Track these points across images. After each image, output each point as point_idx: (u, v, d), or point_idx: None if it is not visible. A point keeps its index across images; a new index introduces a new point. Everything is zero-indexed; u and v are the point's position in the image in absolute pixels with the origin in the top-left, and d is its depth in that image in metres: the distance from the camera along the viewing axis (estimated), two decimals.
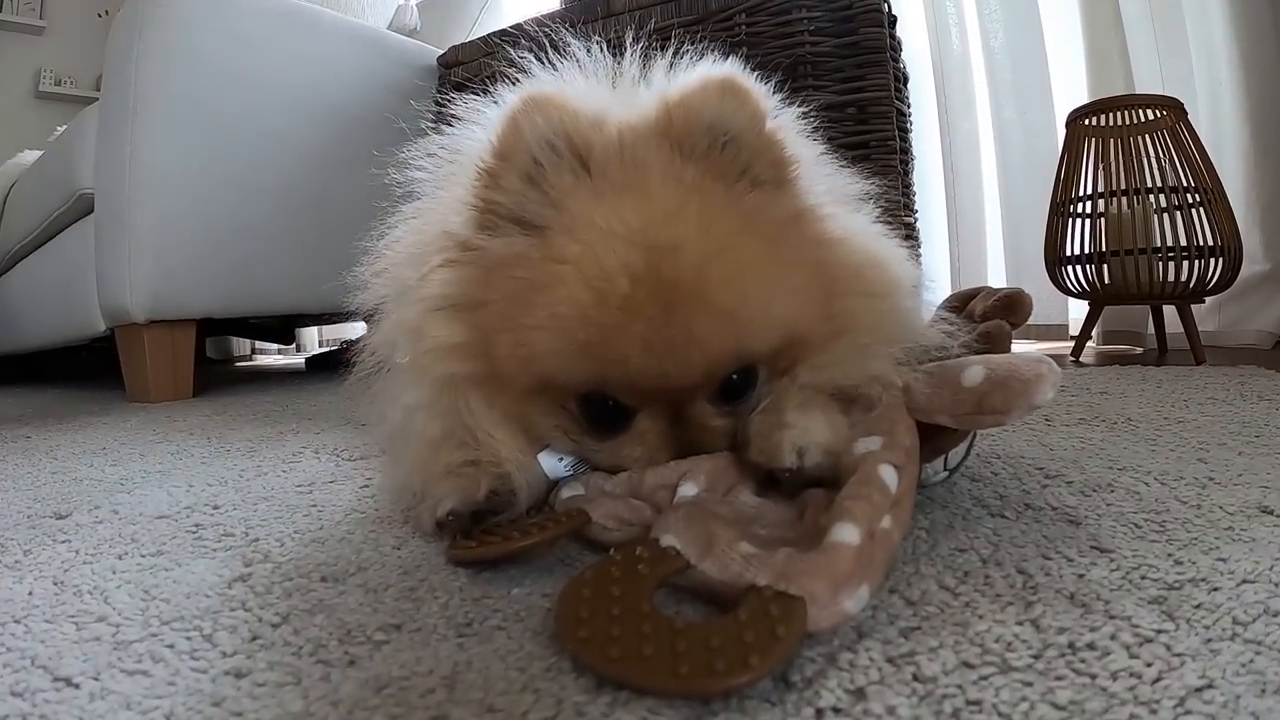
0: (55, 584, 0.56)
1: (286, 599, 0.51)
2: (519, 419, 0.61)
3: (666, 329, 0.54)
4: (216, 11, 2.01)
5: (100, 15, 5.70)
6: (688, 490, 0.53)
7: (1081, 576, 0.47)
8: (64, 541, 0.67)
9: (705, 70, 0.61)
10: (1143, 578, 0.46)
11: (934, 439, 0.55)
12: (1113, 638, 0.39)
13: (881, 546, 0.42)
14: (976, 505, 0.62)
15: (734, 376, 0.59)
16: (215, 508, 0.76)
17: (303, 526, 0.68)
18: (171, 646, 0.45)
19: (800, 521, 0.49)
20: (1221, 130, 2.43)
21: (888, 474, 0.47)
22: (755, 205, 0.59)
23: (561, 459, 0.62)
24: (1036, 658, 0.38)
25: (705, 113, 0.58)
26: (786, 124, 0.66)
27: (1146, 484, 0.67)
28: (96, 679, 0.41)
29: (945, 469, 0.64)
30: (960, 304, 0.74)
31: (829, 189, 0.67)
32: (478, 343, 0.59)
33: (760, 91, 0.61)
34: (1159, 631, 0.40)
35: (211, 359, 4.26)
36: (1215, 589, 0.45)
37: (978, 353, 0.60)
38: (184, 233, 1.95)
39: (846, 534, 0.41)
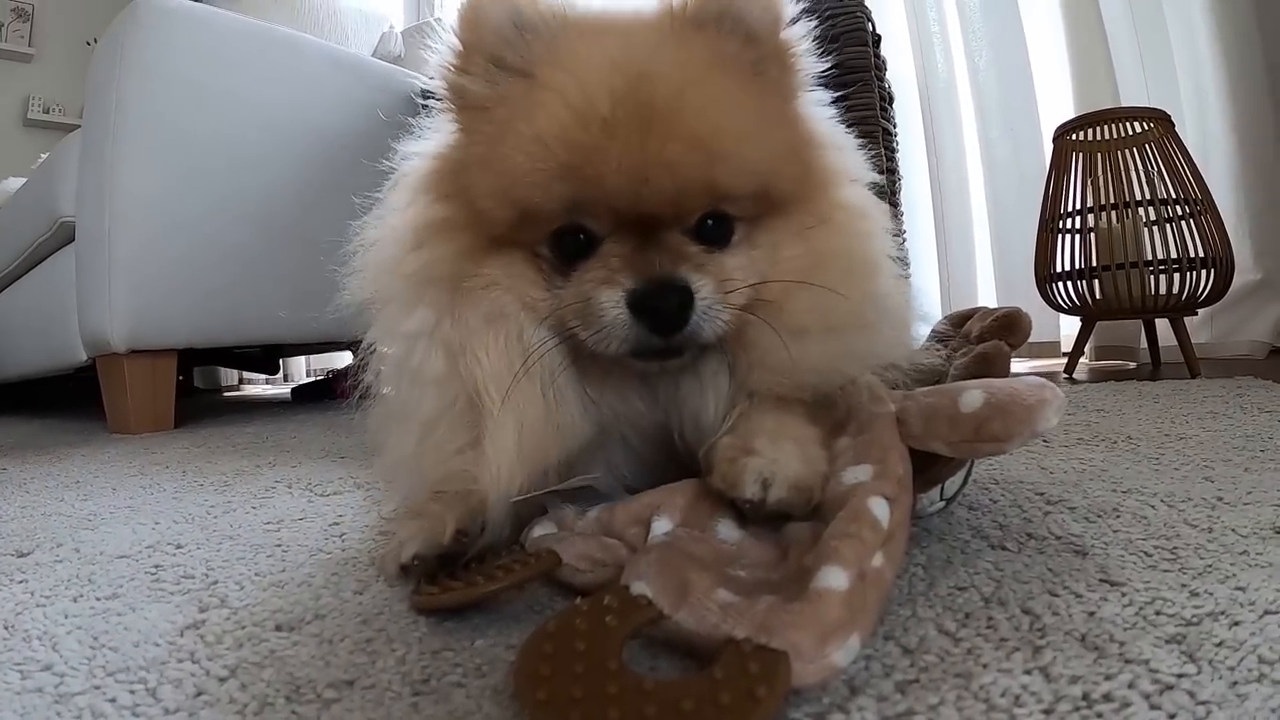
0: (5, 628, 0.54)
1: (237, 649, 0.48)
2: (498, 313, 0.60)
3: (642, 151, 0.54)
4: (198, 37, 1.99)
5: (89, 43, 5.68)
6: (661, 526, 0.50)
7: (1092, 614, 0.43)
8: (21, 582, 0.65)
9: None
10: (1158, 613, 0.43)
11: (929, 468, 0.51)
12: (1131, 685, 0.36)
13: (874, 587, 0.39)
14: (976, 537, 0.59)
15: (709, 222, 0.58)
16: (178, 547, 0.73)
17: (264, 568, 0.64)
18: (113, 700, 0.42)
19: (784, 561, 0.45)
20: (1209, 141, 2.43)
21: (879, 507, 0.43)
22: (747, 73, 0.61)
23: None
24: (1048, 713, 0.34)
25: None
26: (802, 37, 0.66)
27: (1153, 507, 0.64)
28: None
29: (942, 499, 0.61)
30: (957, 324, 0.71)
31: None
32: (461, 211, 0.60)
33: None
34: (1180, 676, 0.36)
35: (199, 389, 4.23)
36: (1237, 623, 0.41)
37: (975, 376, 0.57)
38: (165, 261, 1.92)
39: (833, 579, 0.37)
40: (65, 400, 3.25)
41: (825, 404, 0.58)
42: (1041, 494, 0.70)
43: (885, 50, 2.10)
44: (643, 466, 0.62)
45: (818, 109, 0.68)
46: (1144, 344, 2.31)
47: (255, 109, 2.08)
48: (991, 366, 0.58)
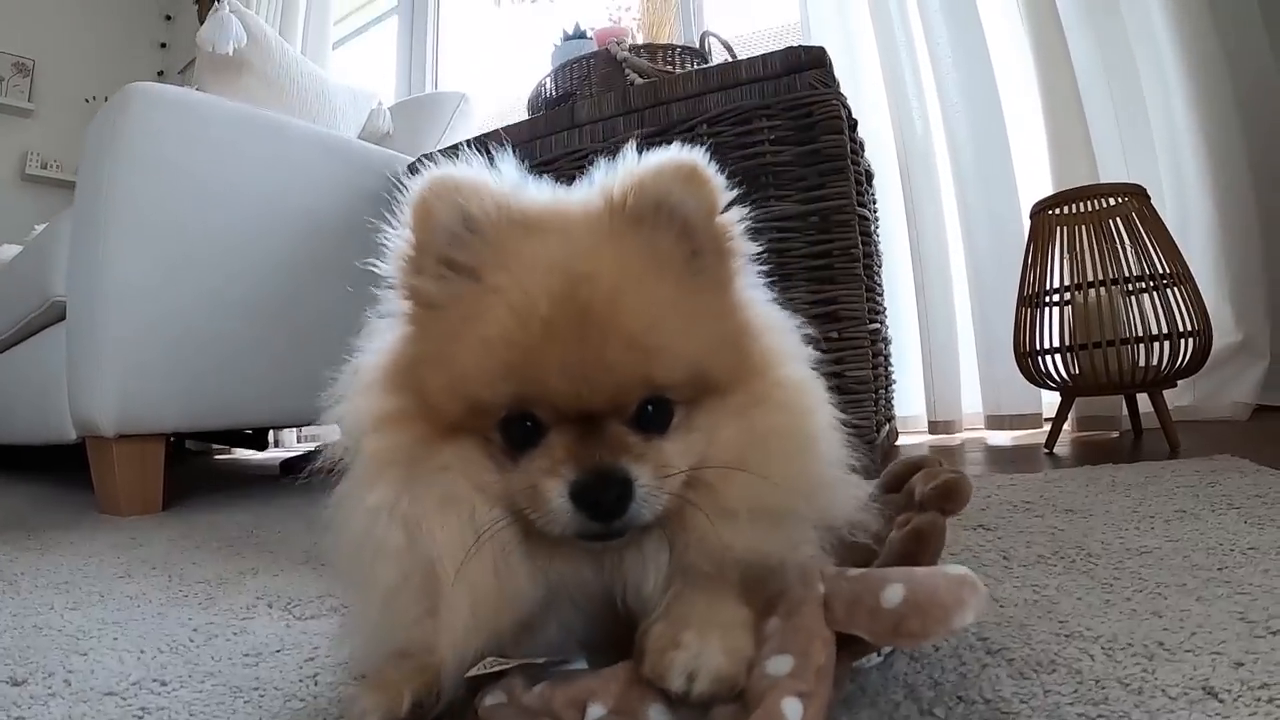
0: None
1: None
2: (452, 495, 0.62)
3: (580, 353, 0.57)
4: (187, 124, 2.05)
5: (88, 100, 5.80)
6: (595, 713, 0.52)
7: None
8: (18, 719, 0.68)
9: (669, 154, 0.64)
10: None
11: (856, 644, 0.54)
12: None
13: None
14: (908, 698, 0.60)
15: (649, 408, 0.61)
16: (163, 684, 0.76)
17: (242, 718, 0.67)
18: None
19: None
20: (1187, 209, 2.49)
21: (791, 709, 0.46)
22: (683, 265, 0.64)
23: None
24: None
25: (657, 190, 0.63)
26: (735, 222, 0.68)
27: (1091, 656, 0.66)
28: None
29: (879, 655, 0.63)
30: (902, 476, 0.74)
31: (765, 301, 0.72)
32: (415, 404, 0.63)
33: (720, 183, 0.65)
34: None
35: (190, 451, 4.24)
36: None
37: (907, 554, 0.60)
38: (154, 346, 1.96)
39: None
40: (59, 465, 3.25)
41: (759, 580, 0.60)
42: (985, 639, 0.71)
43: (864, 122, 2.15)
44: (591, 625, 0.65)
45: (753, 292, 0.70)
46: (1125, 412, 2.34)
47: (244, 195, 2.14)
48: (925, 545, 0.61)
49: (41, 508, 2.16)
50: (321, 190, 2.32)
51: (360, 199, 2.33)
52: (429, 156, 2.30)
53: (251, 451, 4.20)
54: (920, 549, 0.61)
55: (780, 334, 0.70)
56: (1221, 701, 0.57)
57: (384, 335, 0.69)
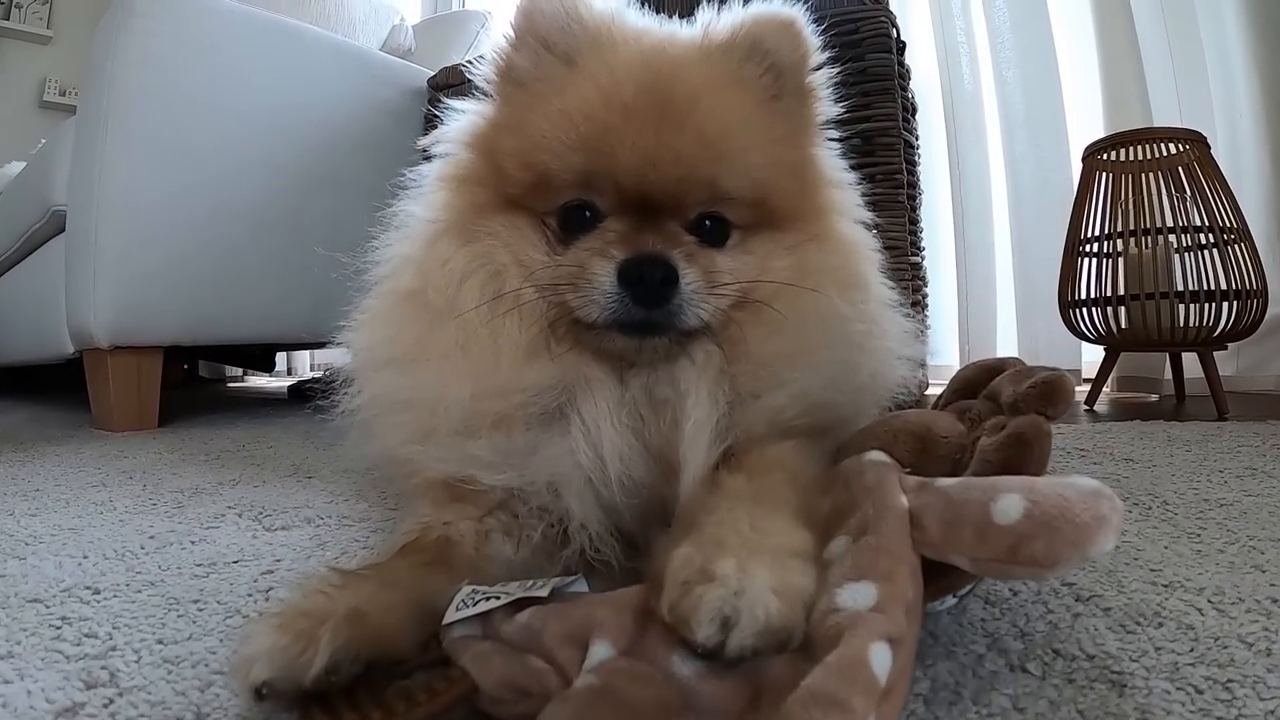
0: None
1: None
2: (487, 257, 0.65)
3: (655, 137, 0.59)
4: (195, 25, 1.92)
5: None
6: (599, 652, 0.39)
7: None
8: None
9: (773, 6, 0.69)
10: None
11: (943, 578, 0.42)
12: None
13: None
14: (992, 649, 0.49)
15: (707, 222, 0.64)
16: (96, 592, 0.67)
17: (170, 633, 0.57)
18: None
19: (755, 710, 0.35)
20: (1241, 164, 2.34)
21: (879, 657, 0.33)
22: (765, 96, 0.67)
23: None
24: None
25: (755, 31, 0.67)
26: (823, 83, 0.72)
27: (1200, 610, 0.55)
28: None
29: (954, 595, 0.52)
30: (978, 378, 0.61)
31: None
32: (485, 167, 0.67)
33: (814, 43, 0.70)
34: None
35: (203, 378, 4.19)
36: None
37: (1007, 464, 0.47)
38: (153, 255, 1.85)
39: None
40: (62, 388, 3.18)
41: (819, 441, 0.56)
42: (1070, 584, 0.60)
43: (910, 59, 2.01)
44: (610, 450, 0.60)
45: (827, 148, 0.74)
46: (1168, 375, 2.20)
47: (256, 104, 2.01)
48: (1029, 452, 0.47)
49: (37, 424, 2.09)
50: (339, 102, 2.18)
51: (379, 113, 2.20)
52: (454, 69, 2.16)
53: (263, 374, 4.15)
54: (1023, 457, 0.48)
55: (842, 189, 0.74)
56: None
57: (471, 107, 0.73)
